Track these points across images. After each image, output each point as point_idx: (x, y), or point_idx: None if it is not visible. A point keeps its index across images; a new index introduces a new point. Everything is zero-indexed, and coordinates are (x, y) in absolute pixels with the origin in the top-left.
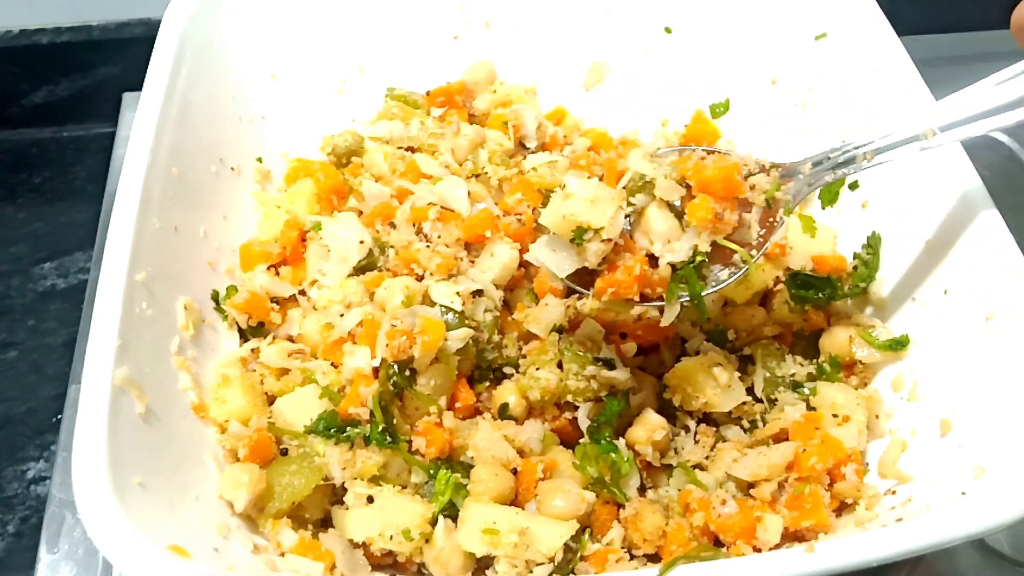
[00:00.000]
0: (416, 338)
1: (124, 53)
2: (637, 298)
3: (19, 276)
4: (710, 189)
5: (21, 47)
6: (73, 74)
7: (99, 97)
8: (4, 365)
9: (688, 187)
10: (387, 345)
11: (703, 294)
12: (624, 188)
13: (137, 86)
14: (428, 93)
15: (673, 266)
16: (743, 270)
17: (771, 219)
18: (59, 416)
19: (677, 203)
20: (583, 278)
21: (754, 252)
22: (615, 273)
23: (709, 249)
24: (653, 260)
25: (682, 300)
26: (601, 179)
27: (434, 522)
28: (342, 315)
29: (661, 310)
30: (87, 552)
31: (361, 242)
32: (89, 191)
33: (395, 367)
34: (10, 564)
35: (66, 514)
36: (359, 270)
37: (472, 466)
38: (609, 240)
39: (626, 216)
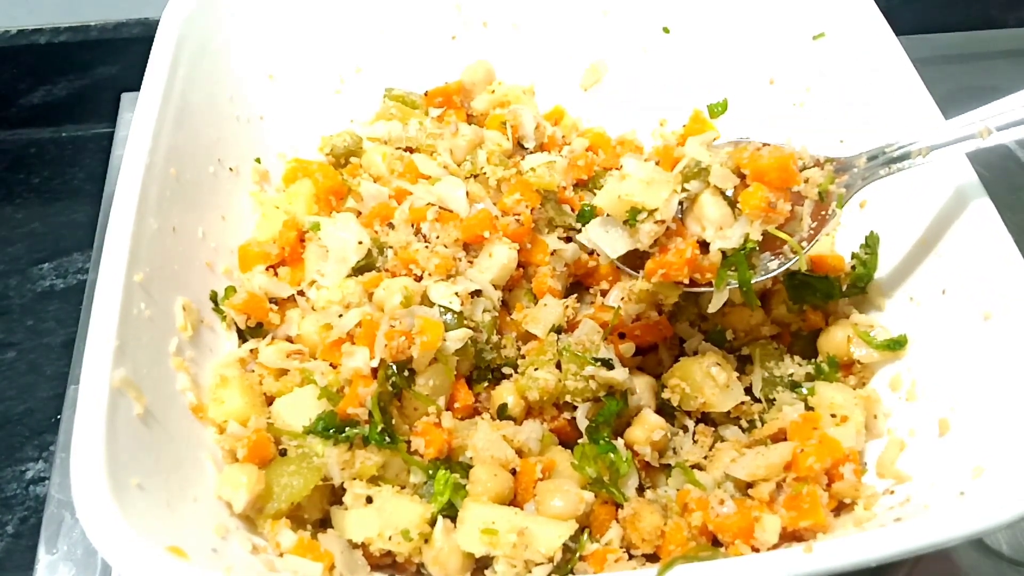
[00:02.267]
0: (415, 338)
1: (122, 53)
2: (687, 281)
3: (17, 276)
4: (765, 178)
5: (19, 47)
6: (71, 74)
7: (97, 97)
8: (2, 365)
9: (743, 177)
10: (386, 346)
11: (753, 281)
12: (680, 173)
13: (135, 86)
14: (426, 93)
15: (724, 253)
16: (793, 260)
17: (823, 212)
18: (58, 416)
19: (730, 192)
20: (633, 261)
21: (805, 243)
22: (666, 255)
23: (760, 238)
24: (704, 247)
25: (730, 287)
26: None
27: (433, 522)
28: (341, 315)
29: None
30: (86, 552)
31: (360, 243)
32: (87, 191)
33: (394, 367)
34: (9, 565)
35: (65, 514)
36: (358, 270)
37: (471, 466)
38: (662, 222)
39: (679, 202)
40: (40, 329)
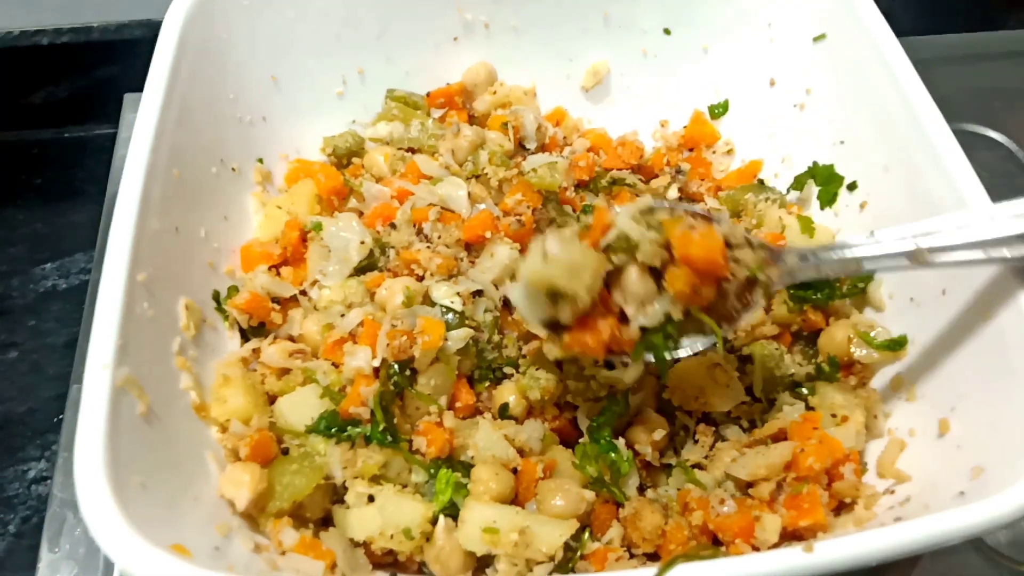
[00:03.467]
0: (416, 338)
1: (124, 54)
2: (602, 360)
3: (20, 277)
4: (692, 264)
5: (21, 48)
6: (73, 75)
7: (100, 98)
8: (4, 365)
9: (671, 250)
10: (388, 345)
11: (669, 359)
12: (606, 250)
13: (138, 87)
14: (428, 95)
15: (644, 328)
16: (712, 344)
17: (748, 295)
18: (60, 416)
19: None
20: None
21: (725, 325)
22: (585, 335)
23: (681, 317)
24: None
25: (647, 361)
26: (582, 236)
27: (435, 521)
28: (343, 315)
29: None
30: (88, 552)
31: (362, 242)
32: (90, 192)
33: (396, 367)
34: (10, 564)
35: (67, 514)
36: (360, 270)
37: (472, 465)
38: (582, 306)
39: (605, 272)
40: (42, 329)
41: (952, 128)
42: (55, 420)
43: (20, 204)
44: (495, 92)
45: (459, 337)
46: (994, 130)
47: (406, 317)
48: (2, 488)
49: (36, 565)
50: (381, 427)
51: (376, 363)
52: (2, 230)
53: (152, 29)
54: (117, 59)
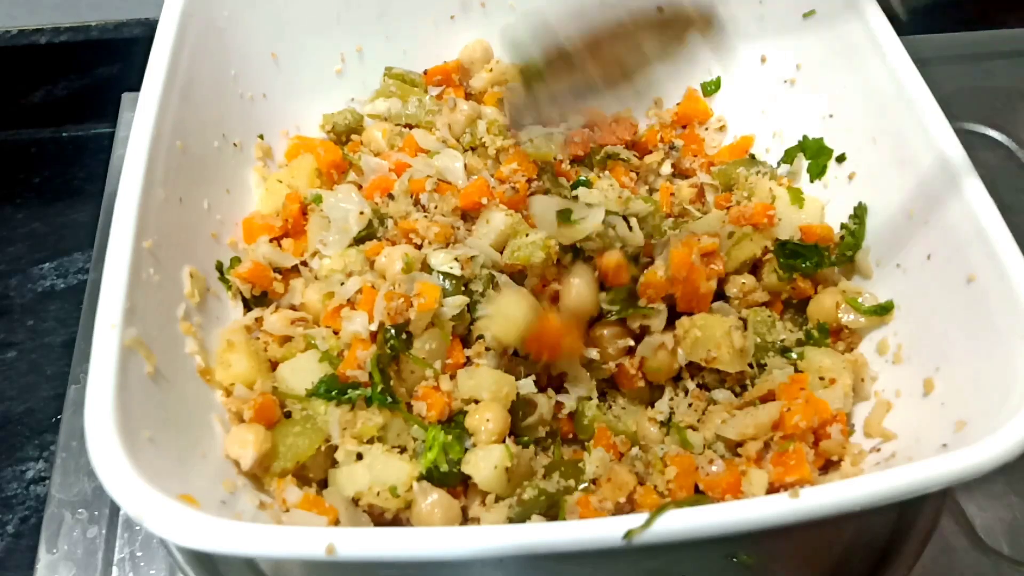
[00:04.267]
0: (412, 301)
1: (123, 53)
2: None
3: (18, 276)
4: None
5: (20, 47)
6: (72, 74)
7: (98, 97)
8: (3, 365)
9: None
10: (384, 307)
11: None
12: None
13: (136, 87)
14: (425, 72)
15: None
16: None
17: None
18: (58, 416)
19: None
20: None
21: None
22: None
23: None
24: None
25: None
26: None
27: (423, 478)
28: (343, 283)
29: None
30: (86, 552)
31: (361, 213)
32: (88, 191)
33: (392, 330)
34: (9, 564)
35: (65, 514)
36: (359, 240)
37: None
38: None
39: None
40: (41, 329)
41: (952, 128)
42: (54, 420)
43: (19, 203)
44: (491, 70)
45: (455, 304)
46: (994, 130)
47: (404, 283)
48: (1, 489)
49: (34, 566)
50: (379, 388)
51: (374, 327)
52: (1, 229)
53: (150, 28)
54: (116, 58)
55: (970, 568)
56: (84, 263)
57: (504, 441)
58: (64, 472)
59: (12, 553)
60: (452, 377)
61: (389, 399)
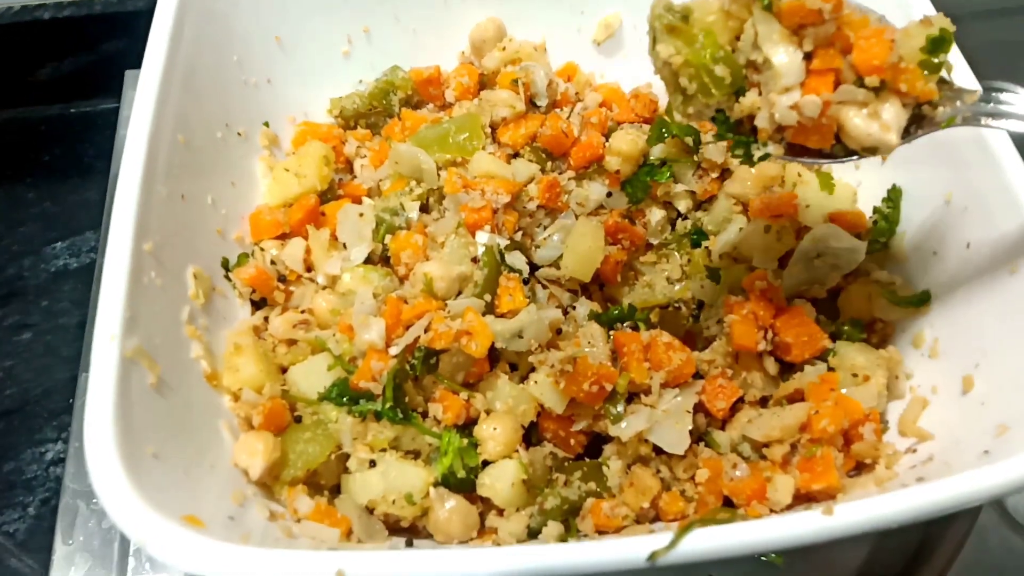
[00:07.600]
0: (464, 339)
1: (128, 27)
2: None
3: (31, 256)
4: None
5: (23, 23)
6: (77, 50)
7: (105, 73)
8: (19, 347)
9: None
10: (426, 330)
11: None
12: None
13: (140, 63)
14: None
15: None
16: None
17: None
18: (73, 400)
19: None
20: None
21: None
22: None
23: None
24: None
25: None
26: None
27: (438, 484)
28: (362, 302)
29: None
30: (102, 543)
31: (361, 215)
32: (98, 168)
33: (422, 350)
34: (32, 545)
35: (80, 504)
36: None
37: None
38: None
39: None
40: (55, 310)
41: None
42: (70, 401)
43: (29, 183)
44: (504, 48)
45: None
46: None
47: (453, 306)
48: (21, 471)
49: (52, 552)
50: (389, 405)
51: (396, 350)
52: (12, 209)
53: (153, 2)
54: (121, 33)
55: (1000, 544)
56: (96, 241)
57: (516, 451)
58: (78, 461)
59: (35, 534)
60: (472, 385)
61: (400, 416)
